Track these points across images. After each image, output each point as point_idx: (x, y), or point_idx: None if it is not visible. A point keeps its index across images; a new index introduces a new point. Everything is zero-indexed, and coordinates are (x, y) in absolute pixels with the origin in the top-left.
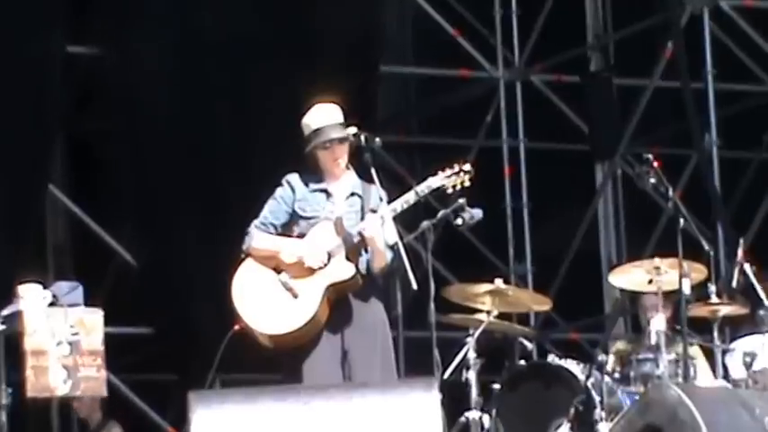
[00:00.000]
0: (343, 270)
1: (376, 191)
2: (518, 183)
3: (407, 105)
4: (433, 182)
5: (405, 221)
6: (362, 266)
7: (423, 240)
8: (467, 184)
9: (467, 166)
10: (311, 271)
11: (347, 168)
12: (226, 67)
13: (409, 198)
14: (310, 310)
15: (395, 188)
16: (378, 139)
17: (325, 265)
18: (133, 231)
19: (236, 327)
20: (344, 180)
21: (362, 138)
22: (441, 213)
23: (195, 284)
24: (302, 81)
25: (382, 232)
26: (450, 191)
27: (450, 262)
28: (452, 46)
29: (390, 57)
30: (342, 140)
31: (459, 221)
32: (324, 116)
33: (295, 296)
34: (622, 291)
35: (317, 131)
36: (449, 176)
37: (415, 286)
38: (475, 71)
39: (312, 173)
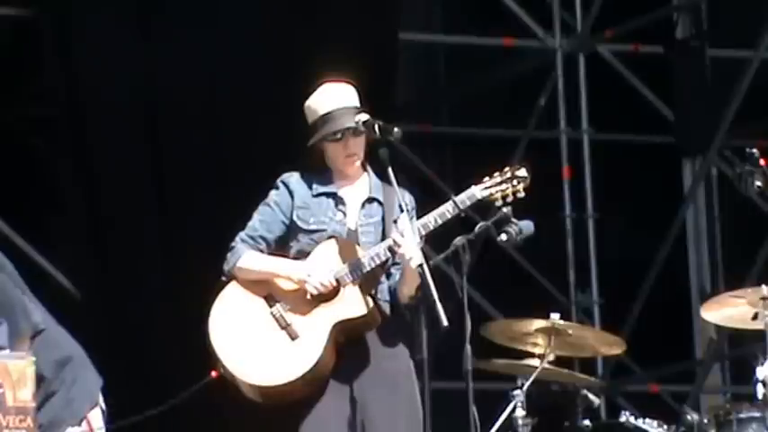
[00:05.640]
0: (354, 303)
1: (398, 197)
2: (580, 186)
3: (435, 85)
4: (478, 191)
5: (434, 237)
6: (384, 295)
7: (456, 262)
8: (521, 194)
9: (522, 172)
10: (314, 303)
11: (364, 168)
12: (205, 37)
13: (446, 211)
14: (313, 355)
15: (418, 195)
16: (396, 130)
17: (333, 295)
18: (75, 250)
19: (213, 374)
20: (360, 183)
21: (376, 127)
22: (479, 227)
23: (157, 319)
24: (298, 55)
25: (419, 243)
26: (499, 202)
27: (491, 291)
28: (494, 7)
29: (413, 21)
30: (357, 131)
31: (503, 237)
32: (336, 97)
33: (293, 336)
34: (719, 329)
35: (325, 118)
36: (498, 184)
37: (445, 323)
38: (523, 40)
39: (317, 172)
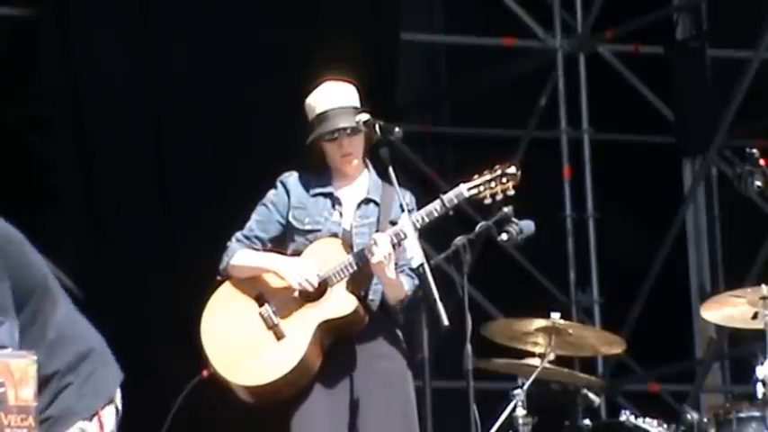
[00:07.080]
0: (340, 303)
1: (398, 197)
2: (581, 186)
3: (436, 85)
4: (465, 189)
5: (434, 237)
6: (378, 296)
7: (456, 262)
8: (510, 192)
9: (511, 169)
10: (301, 303)
11: (366, 167)
12: (206, 37)
13: (433, 209)
14: (296, 354)
15: (419, 194)
16: (397, 130)
17: (319, 295)
18: (76, 249)
19: (204, 373)
20: (359, 182)
21: (377, 127)
22: (480, 226)
23: (158, 318)
24: (299, 55)
25: (394, 255)
26: (488, 200)
27: (492, 290)
28: (494, 7)
29: (414, 21)
30: (353, 131)
31: (503, 237)
32: (333, 97)
33: (279, 336)
34: (719, 329)
35: (320, 117)
36: (486, 182)
37: (446, 322)
38: (524, 40)
39: (317, 171)
